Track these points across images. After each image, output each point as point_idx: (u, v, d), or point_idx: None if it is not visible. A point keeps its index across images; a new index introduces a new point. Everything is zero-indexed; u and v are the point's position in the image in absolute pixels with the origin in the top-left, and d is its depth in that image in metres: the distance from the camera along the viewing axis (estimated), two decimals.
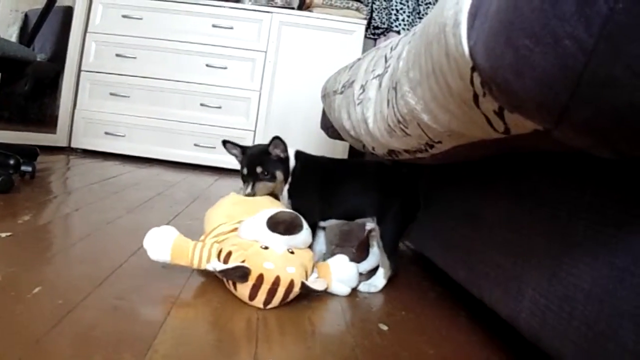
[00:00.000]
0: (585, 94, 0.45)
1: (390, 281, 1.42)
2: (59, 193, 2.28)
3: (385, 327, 1.16)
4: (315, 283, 1.23)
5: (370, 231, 1.57)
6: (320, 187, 1.51)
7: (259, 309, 1.16)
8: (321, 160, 1.63)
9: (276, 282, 1.15)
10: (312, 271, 1.29)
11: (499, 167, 1.06)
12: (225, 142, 1.55)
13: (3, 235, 1.42)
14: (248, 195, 1.45)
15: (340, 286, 1.33)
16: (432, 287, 1.53)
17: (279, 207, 1.39)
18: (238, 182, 1.83)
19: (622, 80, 0.42)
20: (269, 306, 1.16)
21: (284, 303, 1.18)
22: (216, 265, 1.18)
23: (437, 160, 1.11)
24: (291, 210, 1.29)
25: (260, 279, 1.14)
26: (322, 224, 1.53)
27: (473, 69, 0.61)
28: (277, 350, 0.98)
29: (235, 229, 1.31)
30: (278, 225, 1.22)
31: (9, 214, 1.69)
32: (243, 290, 1.16)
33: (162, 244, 1.24)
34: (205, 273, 1.32)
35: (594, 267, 0.70)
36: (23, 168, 2.22)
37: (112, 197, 2.26)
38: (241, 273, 1.14)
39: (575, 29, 0.42)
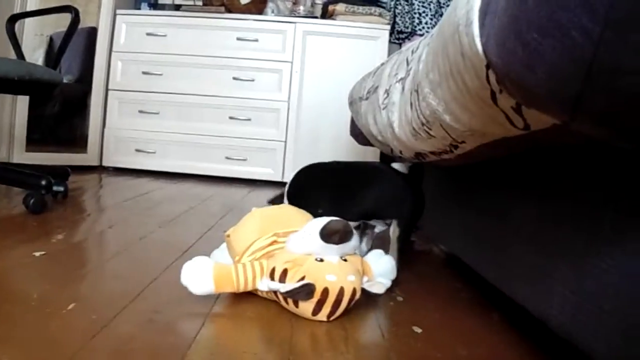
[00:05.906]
0: (596, 84, 0.45)
1: (423, 284, 1.41)
2: (92, 211, 2.32)
3: (419, 330, 1.15)
4: (374, 286, 1.22)
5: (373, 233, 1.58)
6: (328, 191, 1.58)
7: (292, 318, 1.16)
8: (326, 165, 1.73)
9: (341, 293, 1.13)
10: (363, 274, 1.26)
11: (525, 163, 1.05)
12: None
13: (37, 254, 1.45)
14: None
15: (382, 281, 1.31)
16: (464, 287, 1.51)
17: (307, 216, 1.39)
18: (271, 194, 1.85)
19: (631, 67, 0.42)
20: (332, 318, 1.15)
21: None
22: (277, 287, 1.15)
23: (463, 161, 1.10)
24: (339, 218, 1.23)
25: (325, 293, 1.12)
26: None
27: (487, 66, 0.61)
28: (312, 358, 0.98)
29: (273, 243, 1.28)
30: (332, 235, 1.17)
31: (43, 234, 1.72)
32: (306, 306, 1.14)
33: (202, 276, 1.18)
34: None
35: (621, 262, 0.69)
36: (55, 188, 2.24)
37: (145, 213, 2.30)
38: (308, 290, 1.11)
39: (581, 18, 0.42)
